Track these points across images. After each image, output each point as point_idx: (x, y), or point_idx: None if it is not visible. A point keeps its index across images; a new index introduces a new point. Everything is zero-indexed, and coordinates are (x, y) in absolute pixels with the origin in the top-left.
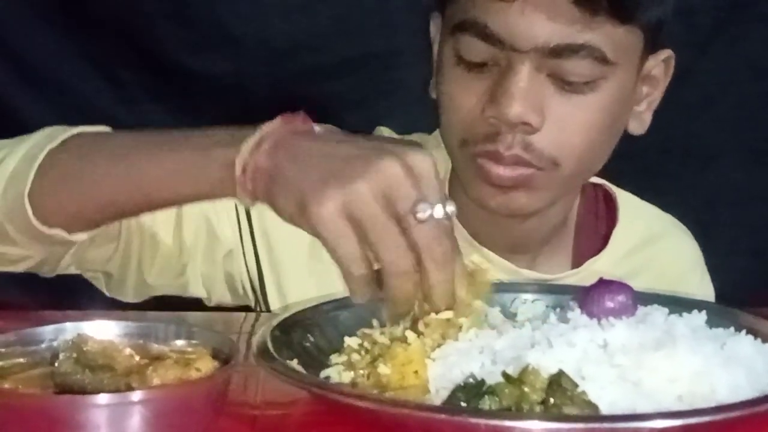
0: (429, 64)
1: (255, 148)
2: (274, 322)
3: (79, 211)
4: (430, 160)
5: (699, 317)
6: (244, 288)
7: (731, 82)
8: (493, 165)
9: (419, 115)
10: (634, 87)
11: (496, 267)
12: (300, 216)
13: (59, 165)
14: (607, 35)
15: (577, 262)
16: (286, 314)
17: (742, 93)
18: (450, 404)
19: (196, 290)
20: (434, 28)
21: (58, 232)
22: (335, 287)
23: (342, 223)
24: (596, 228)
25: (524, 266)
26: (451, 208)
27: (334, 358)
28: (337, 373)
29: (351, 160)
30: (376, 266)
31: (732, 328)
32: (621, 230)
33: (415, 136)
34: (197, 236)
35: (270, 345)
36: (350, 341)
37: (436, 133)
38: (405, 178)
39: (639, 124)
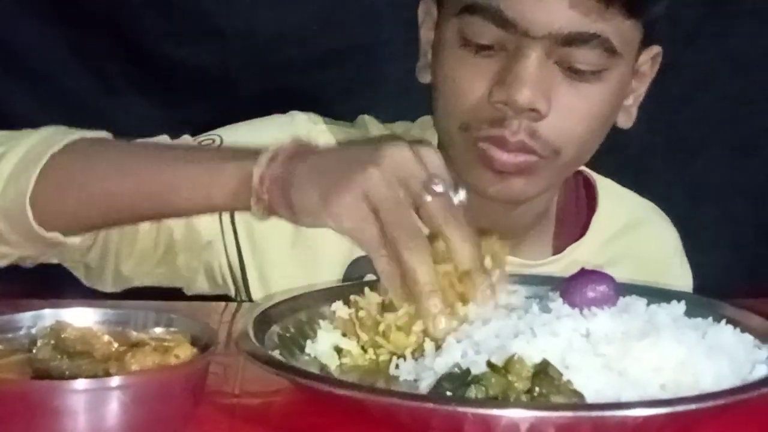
0: (416, 50)
1: (272, 159)
2: (256, 312)
3: (80, 217)
4: (437, 152)
5: (678, 307)
6: (223, 278)
7: (714, 76)
8: (496, 150)
9: (404, 106)
10: (629, 80)
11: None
12: (322, 210)
13: (63, 170)
14: (617, 27)
15: (559, 248)
16: (268, 304)
17: (725, 88)
18: (436, 393)
19: (174, 281)
20: (423, 11)
21: (55, 236)
22: (319, 275)
23: (364, 209)
24: (577, 214)
25: (508, 253)
26: (462, 195)
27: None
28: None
29: (362, 153)
30: None
31: (710, 318)
32: (601, 217)
33: (398, 125)
34: (175, 228)
35: (252, 335)
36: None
37: (421, 120)
38: (413, 159)
39: (627, 117)
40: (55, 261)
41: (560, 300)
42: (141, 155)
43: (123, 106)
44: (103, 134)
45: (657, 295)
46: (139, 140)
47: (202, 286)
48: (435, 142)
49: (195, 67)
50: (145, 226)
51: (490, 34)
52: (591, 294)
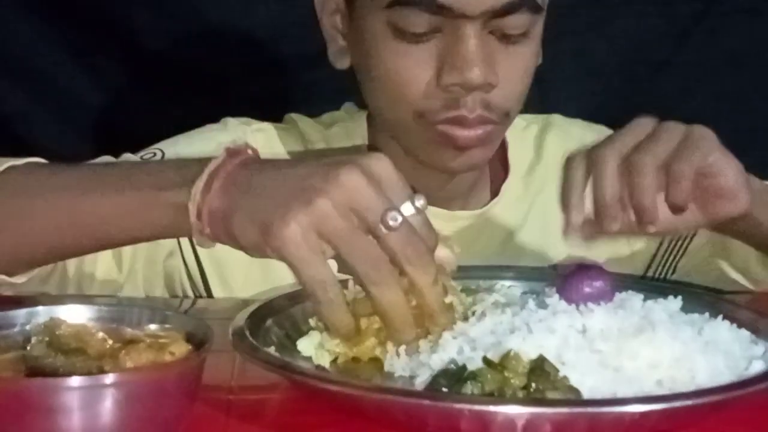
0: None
1: (206, 190)
2: (250, 309)
3: (21, 256)
4: (386, 160)
5: (675, 303)
6: (182, 287)
7: (709, 73)
8: (458, 129)
9: None
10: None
11: (434, 216)
12: (264, 243)
13: None
14: None
15: (495, 190)
16: (262, 301)
17: (720, 85)
18: (432, 390)
19: (136, 295)
20: (321, 1)
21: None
22: (280, 272)
23: (306, 245)
24: (497, 156)
25: (458, 208)
26: (420, 201)
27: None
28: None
29: (309, 178)
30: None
31: (707, 314)
32: (513, 152)
33: (326, 116)
34: (137, 247)
35: (247, 332)
36: None
37: (345, 108)
38: (367, 186)
39: (540, 54)
40: (9, 293)
41: (556, 296)
42: (74, 187)
43: (116, 103)
44: (34, 160)
45: (653, 290)
46: (75, 166)
47: (162, 295)
48: (364, 125)
49: (190, 65)
50: (106, 253)
51: (424, 22)
52: (587, 290)
